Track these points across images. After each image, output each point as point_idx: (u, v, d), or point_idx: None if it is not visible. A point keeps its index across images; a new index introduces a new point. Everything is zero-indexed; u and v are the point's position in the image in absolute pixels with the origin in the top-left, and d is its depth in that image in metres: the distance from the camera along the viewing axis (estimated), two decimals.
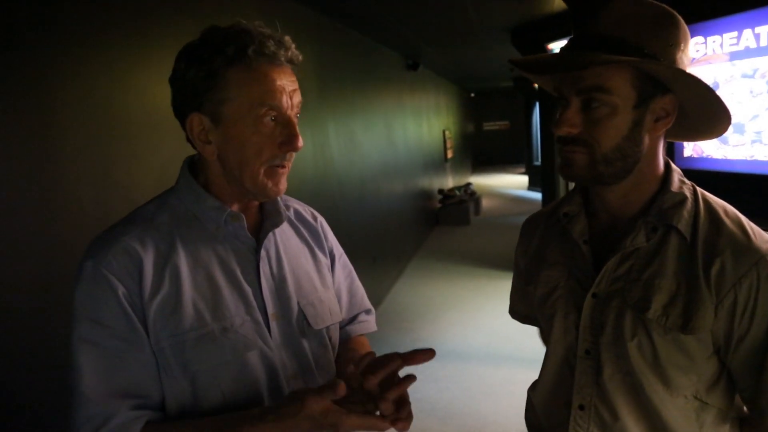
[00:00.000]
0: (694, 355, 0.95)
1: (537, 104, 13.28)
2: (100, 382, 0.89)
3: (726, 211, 0.99)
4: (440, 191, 10.05)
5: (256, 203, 1.09)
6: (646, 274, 0.96)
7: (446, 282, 6.41)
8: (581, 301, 1.02)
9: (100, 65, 2.02)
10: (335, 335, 1.18)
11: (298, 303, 1.07)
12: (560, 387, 1.07)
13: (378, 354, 0.97)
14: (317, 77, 4.17)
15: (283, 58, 0.95)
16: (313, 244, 1.19)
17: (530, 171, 13.94)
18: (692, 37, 2.37)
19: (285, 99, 0.95)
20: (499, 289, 5.90)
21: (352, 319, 1.29)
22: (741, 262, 0.91)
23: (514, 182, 15.31)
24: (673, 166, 1.04)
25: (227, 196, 1.03)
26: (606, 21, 0.92)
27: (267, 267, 1.05)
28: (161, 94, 2.27)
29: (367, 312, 1.33)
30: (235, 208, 1.04)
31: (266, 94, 0.93)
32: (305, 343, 1.07)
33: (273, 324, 1.03)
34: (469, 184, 11.06)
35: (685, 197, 0.99)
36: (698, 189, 1.02)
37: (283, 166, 1.00)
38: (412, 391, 0.91)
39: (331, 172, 4.37)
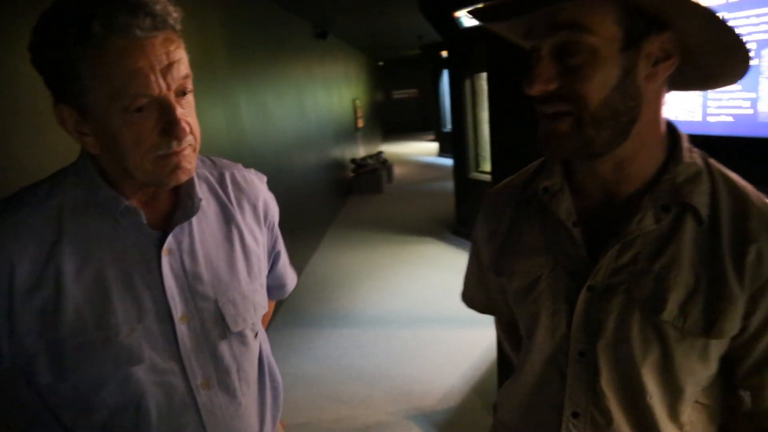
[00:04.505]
0: (711, 357, 0.82)
1: (444, 72, 13.52)
2: None
3: (749, 188, 0.82)
4: (353, 161, 10.07)
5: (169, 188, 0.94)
6: (658, 264, 0.80)
7: (363, 250, 6.49)
8: (573, 296, 0.86)
9: None
10: (260, 322, 1.09)
11: (216, 301, 0.96)
12: (545, 388, 0.94)
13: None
14: (227, 46, 4.01)
15: (144, 27, 0.76)
16: (248, 221, 1.06)
17: (440, 138, 14.24)
18: None
19: (154, 80, 0.78)
20: (414, 254, 6.09)
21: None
22: None
23: (424, 149, 15.59)
24: (679, 128, 0.86)
25: (127, 185, 0.90)
26: None
27: (177, 263, 0.93)
28: None
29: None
30: (138, 197, 0.92)
31: (126, 80, 0.76)
32: (223, 346, 0.97)
33: (182, 327, 0.92)
34: (380, 153, 11.14)
35: (700, 169, 0.82)
36: (709, 158, 0.85)
37: (177, 153, 0.84)
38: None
39: (244, 144, 4.26)
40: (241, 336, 1.01)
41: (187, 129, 0.83)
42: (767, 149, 1.69)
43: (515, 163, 2.57)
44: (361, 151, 11.48)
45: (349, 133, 10.27)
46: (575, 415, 0.89)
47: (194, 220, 0.96)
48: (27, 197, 0.88)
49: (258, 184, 1.11)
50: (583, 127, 0.76)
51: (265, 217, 1.10)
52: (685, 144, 0.84)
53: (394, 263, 5.89)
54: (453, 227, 6.96)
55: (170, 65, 0.79)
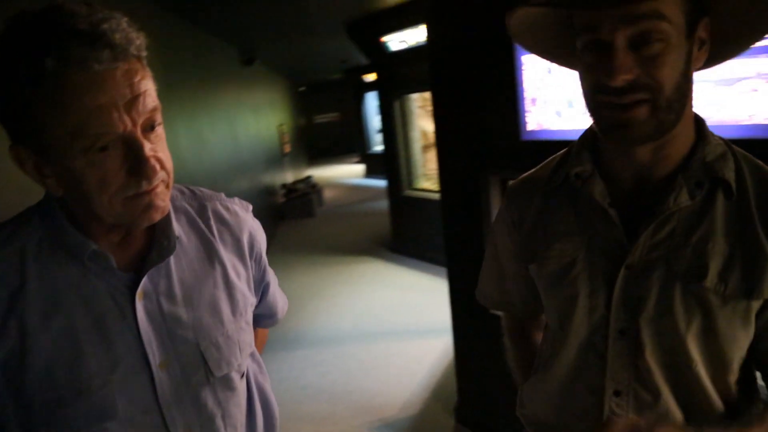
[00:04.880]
0: (751, 321, 0.86)
1: (368, 95, 13.81)
2: None
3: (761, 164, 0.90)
4: (283, 186, 10.07)
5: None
6: (695, 237, 0.85)
7: (303, 274, 6.49)
8: (611, 275, 0.89)
9: None
10: (246, 361, 1.02)
11: (198, 345, 0.89)
12: (582, 373, 0.96)
13: None
14: (163, 74, 3.98)
15: (103, 60, 0.69)
16: (232, 256, 0.98)
17: (366, 159, 14.44)
18: None
19: (117, 117, 0.71)
20: (356, 274, 6.18)
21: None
22: None
23: (350, 171, 15.75)
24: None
25: (96, 226, 0.83)
26: None
27: (153, 306, 0.86)
28: None
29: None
30: (109, 238, 0.84)
31: (86, 118, 0.69)
32: (206, 391, 0.91)
33: (161, 375, 0.85)
34: (309, 177, 11.21)
35: (726, 149, 0.88)
36: (728, 141, 0.91)
37: (148, 192, 0.78)
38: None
39: (183, 172, 4.22)
40: (226, 380, 0.94)
41: (158, 166, 0.76)
42: None
43: (464, 176, 2.74)
44: (288, 176, 11.48)
45: (277, 159, 10.27)
46: (617, 393, 0.91)
47: (172, 257, 0.89)
48: None
49: (242, 214, 1.03)
50: (658, 112, 0.78)
51: (251, 250, 1.02)
52: (707, 127, 0.89)
53: (338, 283, 5.94)
54: (390, 245, 7.11)
55: (135, 99, 0.73)
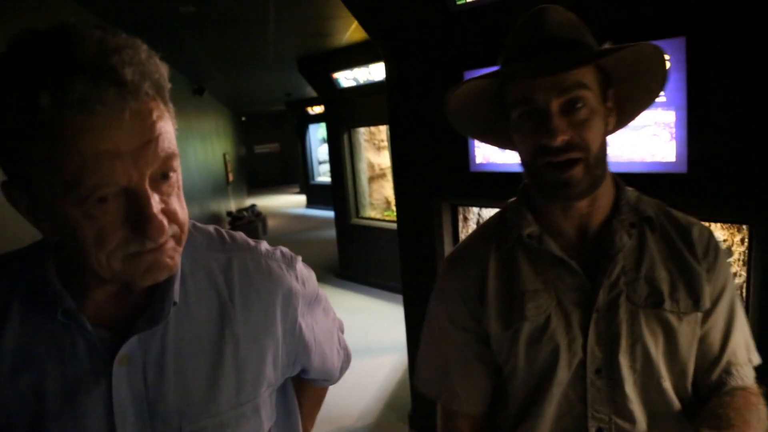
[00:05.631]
0: (698, 330, 0.97)
1: (311, 127, 14.10)
2: None
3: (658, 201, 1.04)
4: (229, 213, 10.16)
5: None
6: (643, 270, 0.95)
7: None
8: (584, 322, 0.95)
9: None
10: None
11: (180, 429, 0.75)
12: (565, 419, 0.98)
13: None
14: None
15: (108, 101, 0.57)
16: (255, 325, 0.82)
17: (308, 190, 14.61)
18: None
19: (120, 167, 0.60)
20: None
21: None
22: (703, 227, 1.00)
23: (292, 202, 15.93)
24: None
25: (92, 277, 0.71)
26: (551, 27, 0.89)
27: (137, 375, 0.73)
28: None
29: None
30: (107, 288, 0.74)
31: (83, 168, 0.58)
32: None
33: None
34: (254, 205, 11.32)
35: (638, 193, 1.02)
36: None
37: (153, 250, 0.66)
38: None
39: None
40: None
41: (166, 222, 0.65)
42: None
43: (419, 203, 3.06)
44: (231, 204, 11.56)
45: (223, 187, 10.37)
46: (600, 430, 0.95)
47: (174, 320, 0.76)
48: None
49: (278, 272, 0.87)
50: (590, 169, 0.89)
51: (285, 317, 0.86)
52: (619, 179, 1.02)
53: None
54: (336, 270, 7.37)
55: (145, 145, 0.61)
